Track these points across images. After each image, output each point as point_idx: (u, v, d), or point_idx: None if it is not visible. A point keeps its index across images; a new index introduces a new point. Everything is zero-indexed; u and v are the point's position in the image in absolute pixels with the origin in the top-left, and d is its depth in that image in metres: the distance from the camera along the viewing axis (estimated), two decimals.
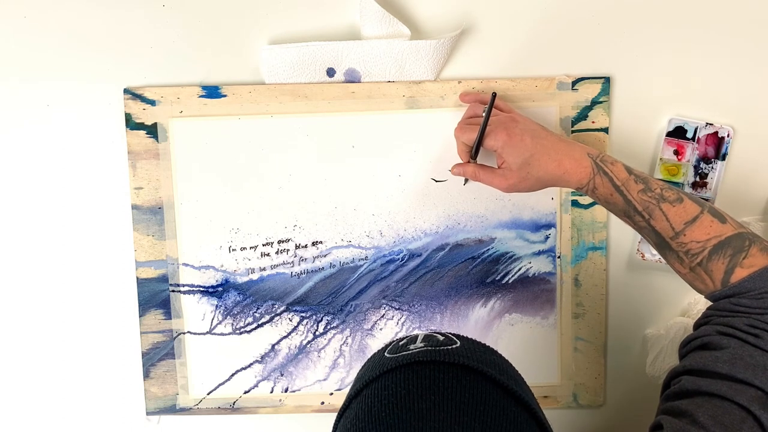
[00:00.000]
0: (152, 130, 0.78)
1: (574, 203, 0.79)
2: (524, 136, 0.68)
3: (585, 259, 0.80)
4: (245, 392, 0.82)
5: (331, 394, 0.82)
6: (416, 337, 0.54)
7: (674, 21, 0.77)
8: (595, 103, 0.78)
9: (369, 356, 0.55)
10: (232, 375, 0.82)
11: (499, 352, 0.54)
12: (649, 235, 0.66)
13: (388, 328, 0.81)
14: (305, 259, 0.80)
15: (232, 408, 0.82)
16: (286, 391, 0.82)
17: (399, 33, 0.76)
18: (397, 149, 0.79)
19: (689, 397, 0.56)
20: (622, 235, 0.80)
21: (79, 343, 0.82)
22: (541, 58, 0.78)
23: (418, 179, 0.79)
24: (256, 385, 0.82)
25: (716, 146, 0.77)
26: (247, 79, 0.78)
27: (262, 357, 0.81)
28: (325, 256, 0.80)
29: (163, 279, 0.80)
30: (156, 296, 0.80)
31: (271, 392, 0.82)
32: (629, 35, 0.77)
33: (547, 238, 0.80)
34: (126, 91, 0.78)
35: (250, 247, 0.80)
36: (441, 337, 0.53)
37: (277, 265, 0.80)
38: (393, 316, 0.81)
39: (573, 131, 0.78)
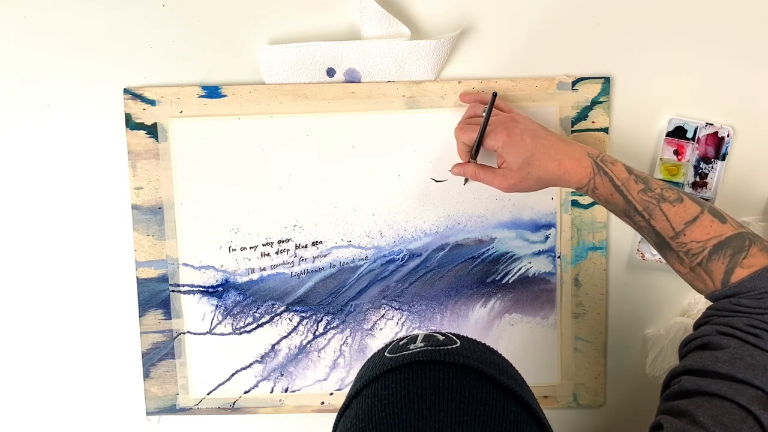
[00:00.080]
0: (152, 130, 0.78)
1: (574, 203, 0.79)
2: (524, 136, 0.68)
3: (585, 259, 0.80)
4: (245, 392, 0.82)
5: (331, 394, 0.82)
6: (416, 336, 0.54)
7: (674, 21, 0.77)
8: (595, 103, 0.78)
9: (369, 356, 0.55)
10: (232, 375, 0.81)
11: (499, 352, 0.54)
12: (649, 235, 0.66)
13: (388, 328, 0.81)
14: (305, 259, 0.80)
15: (232, 408, 0.82)
16: (286, 391, 0.82)
17: (399, 33, 0.76)
18: (397, 149, 0.79)
19: (689, 397, 0.56)
20: (622, 235, 0.80)
21: (79, 343, 0.82)
22: (541, 58, 0.78)
23: (418, 179, 0.79)
24: (256, 385, 0.82)
25: (716, 146, 0.77)
26: (247, 79, 0.78)
27: (262, 357, 0.81)
28: (325, 256, 0.80)
29: (163, 279, 0.80)
30: (156, 296, 0.80)
31: (271, 392, 0.82)
32: (629, 35, 0.77)
33: (547, 238, 0.79)
34: (126, 91, 0.78)
35: (250, 247, 0.80)
36: (441, 337, 0.53)
37: (277, 265, 0.80)
38: (393, 316, 0.81)
39: (573, 131, 0.78)
